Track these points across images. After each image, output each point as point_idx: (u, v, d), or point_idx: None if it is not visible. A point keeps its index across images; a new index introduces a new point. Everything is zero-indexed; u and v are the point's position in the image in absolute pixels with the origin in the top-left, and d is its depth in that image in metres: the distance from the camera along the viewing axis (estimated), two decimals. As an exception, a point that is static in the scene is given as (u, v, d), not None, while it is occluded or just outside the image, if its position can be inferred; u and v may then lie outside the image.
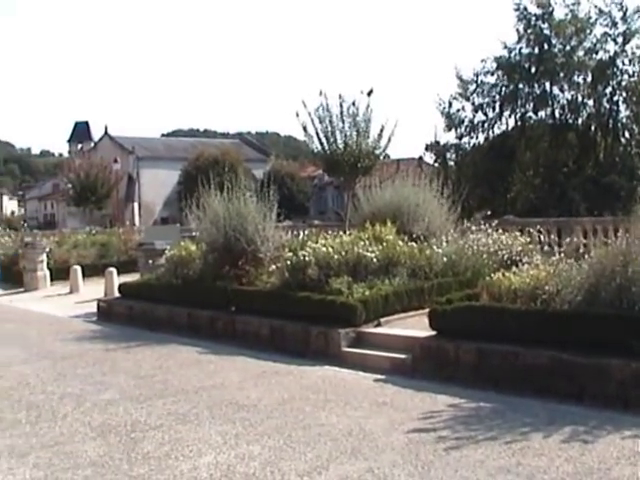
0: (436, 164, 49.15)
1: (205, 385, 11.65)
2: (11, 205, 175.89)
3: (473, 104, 47.32)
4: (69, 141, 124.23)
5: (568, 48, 43.58)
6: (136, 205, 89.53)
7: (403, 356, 12.20)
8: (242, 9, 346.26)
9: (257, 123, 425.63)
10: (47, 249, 29.43)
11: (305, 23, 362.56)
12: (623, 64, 43.43)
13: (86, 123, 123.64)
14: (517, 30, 45.19)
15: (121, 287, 20.41)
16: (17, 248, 31.46)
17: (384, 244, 15.95)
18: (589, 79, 43.85)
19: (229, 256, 16.75)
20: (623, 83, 43.49)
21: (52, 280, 28.30)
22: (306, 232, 21.15)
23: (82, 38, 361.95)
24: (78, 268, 26.62)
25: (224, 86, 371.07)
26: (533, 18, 44.65)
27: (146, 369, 13.05)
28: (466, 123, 47.67)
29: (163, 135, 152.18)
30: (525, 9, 44.86)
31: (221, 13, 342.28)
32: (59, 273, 28.22)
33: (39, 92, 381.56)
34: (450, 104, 47.75)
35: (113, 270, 23.41)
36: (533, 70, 44.90)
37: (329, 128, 26.16)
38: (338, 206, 74.68)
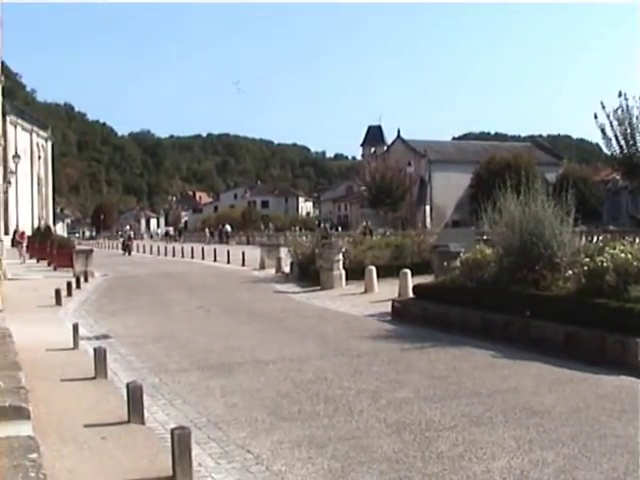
0: None
1: (499, 389, 11.60)
2: (306, 206, 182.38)
3: None
4: (362, 145, 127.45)
5: None
6: (428, 208, 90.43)
7: None
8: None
9: (548, 126, 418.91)
10: (343, 249, 30.25)
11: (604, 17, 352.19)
12: None
13: (379, 127, 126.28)
14: None
15: (415, 288, 20.62)
16: (314, 248, 32.50)
17: (688, 252, 15.24)
18: None
19: (525, 260, 16.53)
20: None
21: (347, 279, 28.97)
22: (600, 237, 20.56)
23: (376, 44, 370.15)
24: (373, 268, 27.08)
25: (515, 88, 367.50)
26: None
27: (440, 370, 13.14)
28: None
29: (454, 138, 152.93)
30: None
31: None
32: (354, 273, 28.75)
33: (334, 97, 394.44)
34: None
35: (407, 271, 23.64)
36: None
37: (628, 130, 25.39)
38: (633, 211, 71.93)
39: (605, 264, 14.56)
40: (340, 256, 29.38)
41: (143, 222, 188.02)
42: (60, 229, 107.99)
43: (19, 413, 8.04)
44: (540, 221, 16.75)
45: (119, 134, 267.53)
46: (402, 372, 13.06)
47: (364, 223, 59.02)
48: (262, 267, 41.26)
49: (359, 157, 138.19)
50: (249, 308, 23.83)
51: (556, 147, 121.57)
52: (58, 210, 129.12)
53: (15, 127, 75.82)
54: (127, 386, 10.43)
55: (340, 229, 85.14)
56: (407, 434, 9.33)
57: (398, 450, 8.71)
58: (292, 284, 31.60)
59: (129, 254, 67.29)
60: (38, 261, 49.64)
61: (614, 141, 25.47)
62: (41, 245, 51.54)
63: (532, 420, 9.75)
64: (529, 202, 17.24)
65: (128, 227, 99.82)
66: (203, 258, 54.19)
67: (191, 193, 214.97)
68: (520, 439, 8.95)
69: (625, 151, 25.27)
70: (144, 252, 72.12)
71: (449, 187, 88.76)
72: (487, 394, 11.28)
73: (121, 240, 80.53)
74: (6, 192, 48.45)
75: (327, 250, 29.43)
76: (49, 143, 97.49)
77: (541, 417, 9.89)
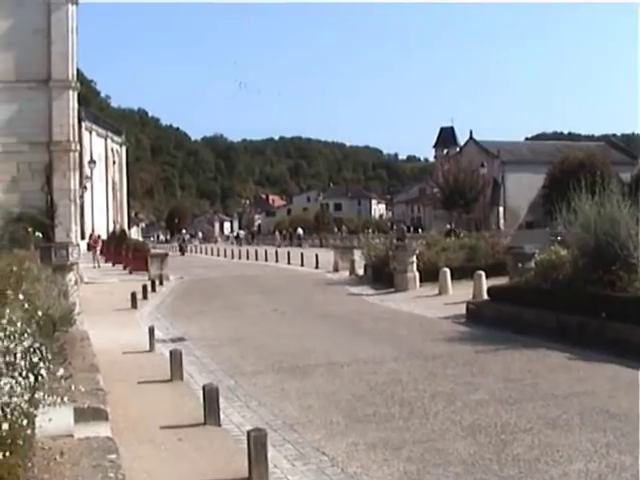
0: None
1: (575, 391, 11.48)
2: (379, 208, 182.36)
3: None
4: (435, 146, 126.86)
5: None
6: (501, 209, 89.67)
7: None
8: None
9: (623, 125, 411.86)
10: (417, 251, 30.16)
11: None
12: None
13: (451, 128, 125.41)
14: None
15: (490, 290, 20.47)
16: (387, 250, 32.44)
17: None
18: None
19: (600, 261, 16.30)
20: None
21: (421, 281, 28.89)
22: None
23: (448, 45, 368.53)
24: (447, 270, 26.99)
25: (588, 87, 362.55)
26: None
27: (515, 372, 13.06)
28: None
29: (527, 139, 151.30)
30: None
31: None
32: (428, 275, 28.67)
33: (406, 99, 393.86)
34: None
35: (482, 273, 23.53)
36: None
37: None
38: None
39: (682, 265, 14.33)
40: (414, 258, 29.29)
41: (217, 225, 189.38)
42: (135, 233, 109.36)
43: (98, 414, 8.22)
44: (616, 221, 16.50)
45: (192, 138, 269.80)
46: (477, 374, 13.01)
47: (448, 226, 58.99)
48: (336, 269, 41.35)
49: (431, 159, 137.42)
50: (323, 310, 23.93)
51: (631, 146, 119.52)
52: (133, 214, 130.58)
53: (90, 133, 77.14)
54: (203, 388, 10.57)
55: (420, 230, 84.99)
56: (482, 437, 9.30)
57: (474, 453, 8.69)
58: (366, 286, 31.61)
59: (182, 254, 78.30)
60: (114, 265, 50.43)
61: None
62: (116, 249, 52.32)
63: (609, 423, 9.64)
64: (604, 202, 16.99)
65: (184, 231, 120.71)
66: (277, 261, 54.39)
67: (264, 196, 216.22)
68: (597, 442, 8.85)
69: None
70: (218, 255, 72.76)
71: (522, 188, 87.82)
72: (563, 396, 11.18)
73: (179, 243, 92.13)
74: (82, 197, 49.19)
75: (401, 252, 29.39)
76: (123, 148, 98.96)
77: (618, 420, 9.76)
